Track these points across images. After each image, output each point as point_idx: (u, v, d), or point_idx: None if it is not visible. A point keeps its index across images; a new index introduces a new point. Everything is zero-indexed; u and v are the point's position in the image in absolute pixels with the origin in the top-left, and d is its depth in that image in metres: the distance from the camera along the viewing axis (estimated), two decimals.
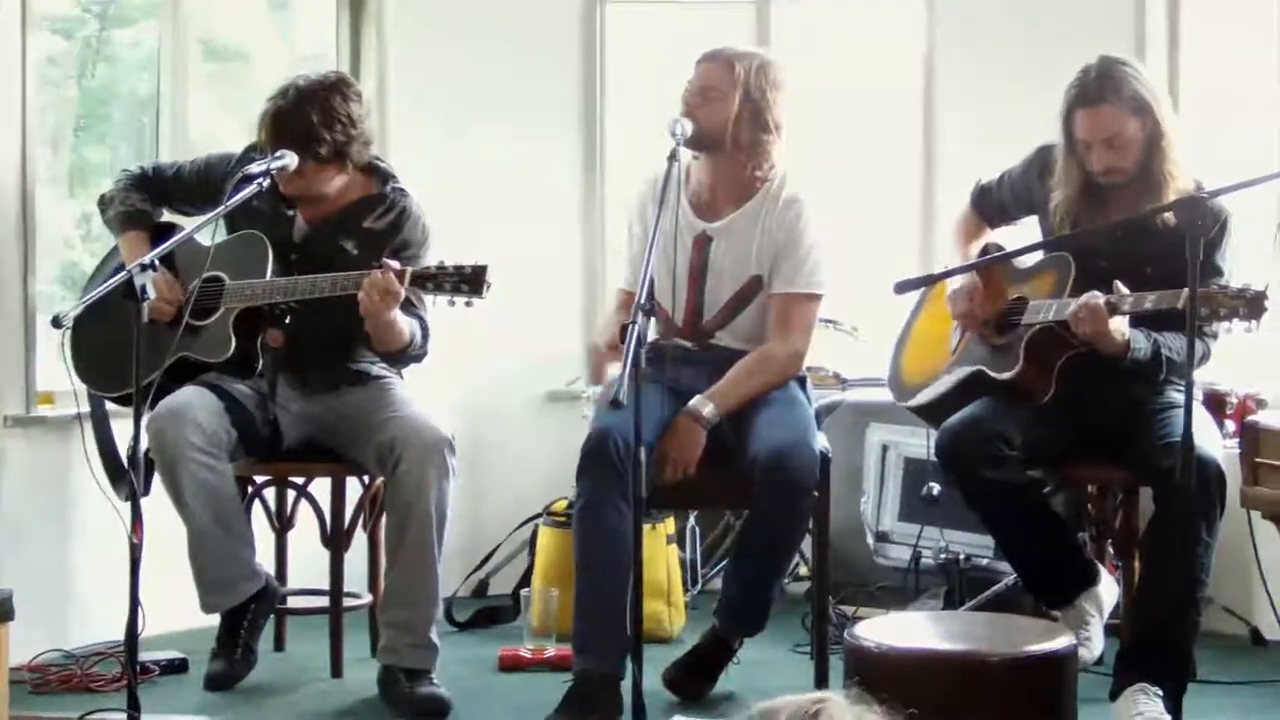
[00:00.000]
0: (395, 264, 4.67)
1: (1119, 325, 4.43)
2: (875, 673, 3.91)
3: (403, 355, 4.97)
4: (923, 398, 5.05)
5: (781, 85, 4.93)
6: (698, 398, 4.82)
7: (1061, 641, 3.94)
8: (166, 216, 5.27)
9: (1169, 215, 4.37)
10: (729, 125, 4.85)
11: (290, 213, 5.04)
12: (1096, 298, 4.40)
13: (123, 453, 5.00)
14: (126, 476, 4.33)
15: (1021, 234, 5.06)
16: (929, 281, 4.39)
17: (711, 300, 4.99)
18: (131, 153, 6.06)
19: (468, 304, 4.64)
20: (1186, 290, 3.95)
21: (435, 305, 4.82)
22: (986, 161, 5.17)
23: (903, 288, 4.28)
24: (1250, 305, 4.06)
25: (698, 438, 4.78)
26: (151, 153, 6.01)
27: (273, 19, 6.85)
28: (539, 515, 5.97)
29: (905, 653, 3.89)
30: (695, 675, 4.96)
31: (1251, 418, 4.40)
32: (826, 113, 6.89)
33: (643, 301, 4.08)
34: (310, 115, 4.90)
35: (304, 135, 4.88)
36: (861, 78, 6.95)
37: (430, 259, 4.94)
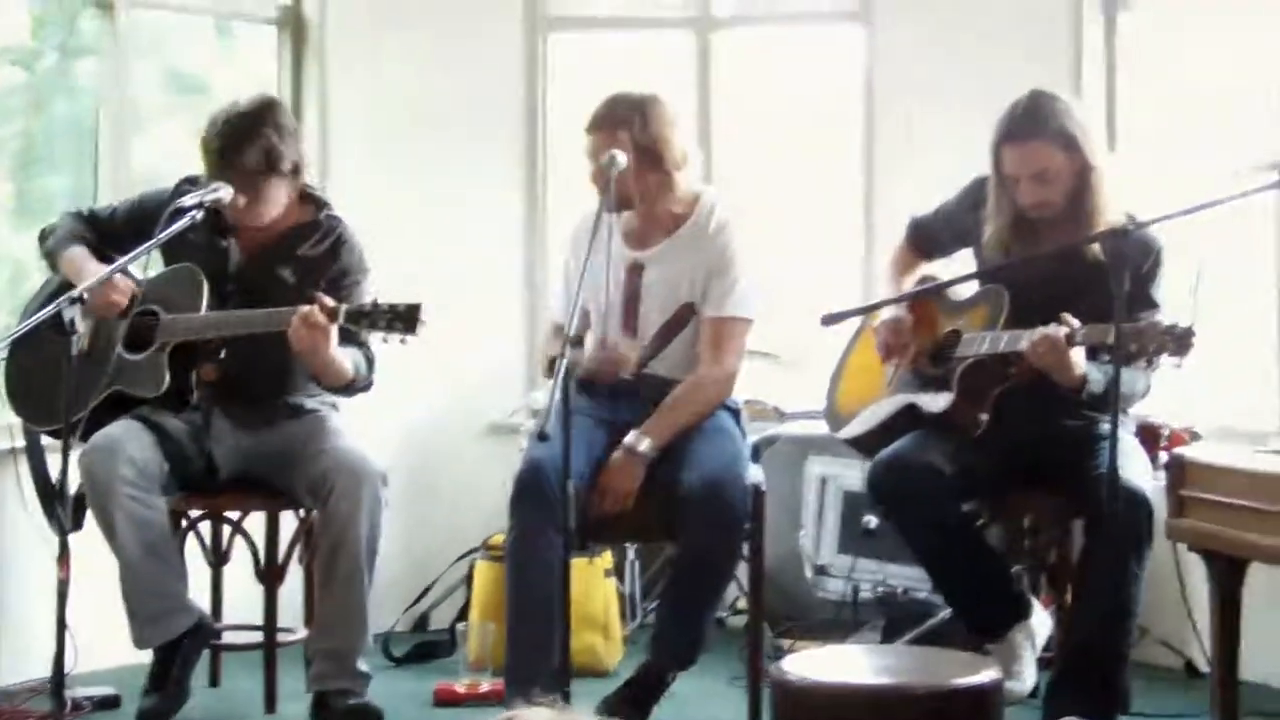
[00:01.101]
0: (328, 300, 4.67)
1: (1077, 358, 4.43)
2: (799, 707, 3.91)
3: (349, 388, 4.97)
4: (855, 429, 5.04)
5: (671, 119, 4.95)
6: (633, 433, 4.83)
7: (987, 675, 3.92)
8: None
9: (1096, 248, 4.38)
10: (632, 183, 4.85)
11: (224, 244, 5.03)
12: (1057, 330, 4.40)
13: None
14: (67, 509, 4.31)
15: (957, 267, 5.07)
16: (857, 313, 4.41)
17: (644, 329, 5.00)
18: (88, 185, 6.02)
19: (402, 341, 4.63)
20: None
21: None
22: (929, 191, 5.17)
23: (830, 320, 4.29)
24: (1178, 341, 4.08)
25: (635, 473, 4.80)
26: (96, 184, 5.99)
27: (221, 48, 6.84)
28: (477, 549, 5.96)
29: (828, 686, 3.88)
30: (629, 708, 4.92)
31: (1177, 450, 4.41)
32: (766, 140, 6.93)
33: (570, 333, 4.09)
34: (268, 130, 4.91)
35: (267, 151, 4.88)
36: (802, 105, 6.97)
37: (369, 286, 4.95)
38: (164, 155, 6.02)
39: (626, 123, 4.87)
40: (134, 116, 6.15)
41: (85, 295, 4.30)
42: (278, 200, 4.99)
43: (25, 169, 6.37)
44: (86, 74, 6.31)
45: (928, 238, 5.14)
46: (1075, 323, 4.37)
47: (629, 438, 4.83)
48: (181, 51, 6.72)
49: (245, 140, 4.87)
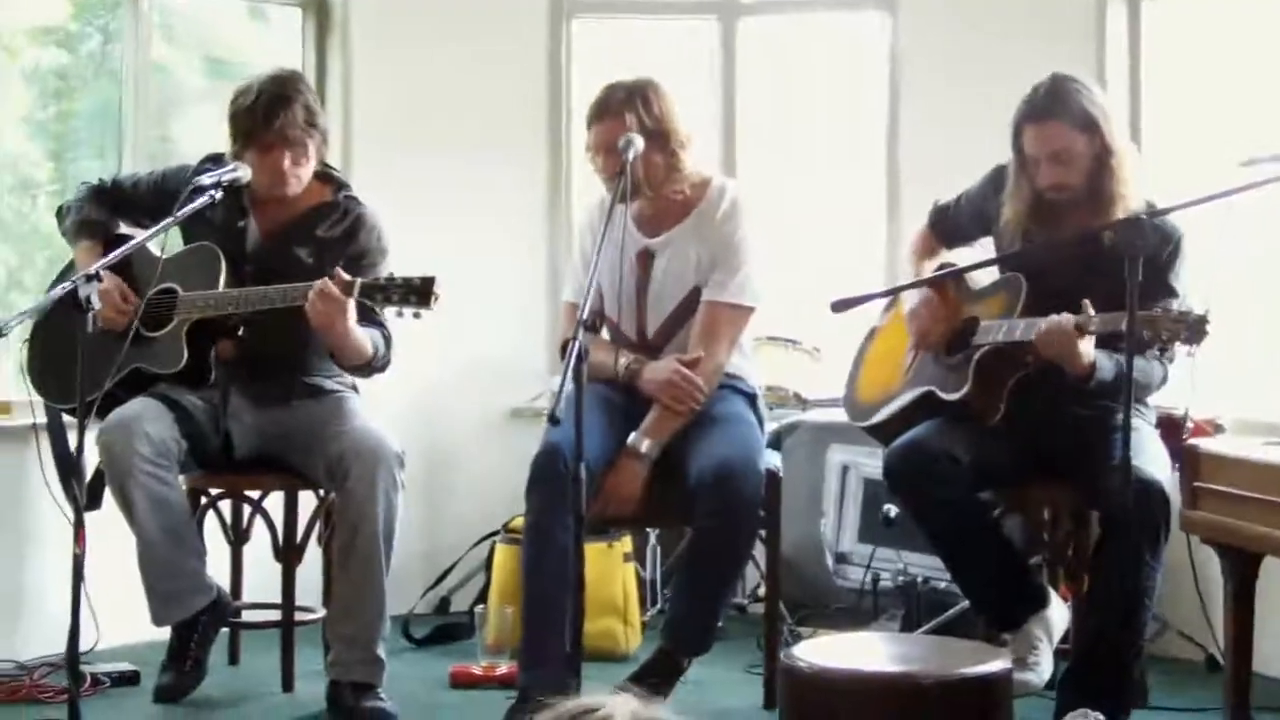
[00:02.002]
0: (344, 274, 4.68)
1: (1085, 347, 4.42)
2: (808, 693, 3.91)
3: (367, 367, 4.98)
4: (875, 418, 5.04)
5: (671, 98, 4.94)
6: (635, 434, 4.85)
7: (996, 665, 3.92)
8: (124, 229, 5.27)
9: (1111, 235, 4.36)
10: (641, 166, 4.83)
11: (241, 224, 5.04)
12: (1065, 319, 4.38)
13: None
14: (82, 486, 4.33)
15: (979, 255, 5.05)
16: (868, 299, 4.40)
17: (655, 314, 5.02)
18: (130, 165, 6.04)
19: (416, 315, 4.63)
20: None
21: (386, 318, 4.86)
22: (952, 178, 5.15)
23: (840, 306, 4.28)
24: (1191, 329, 4.06)
25: (638, 475, 4.84)
26: (120, 168, 6.02)
27: (254, 31, 6.87)
28: (496, 532, 5.97)
29: (838, 673, 3.88)
30: (644, 694, 4.93)
31: (1191, 441, 4.39)
32: (790, 127, 6.91)
33: (584, 317, 4.09)
34: (304, 91, 4.99)
35: (307, 108, 4.94)
36: (826, 92, 6.95)
37: (387, 267, 4.96)
38: (201, 137, 6.01)
39: (630, 107, 4.86)
40: (163, 100, 6.19)
41: (100, 274, 4.31)
42: (312, 165, 5.03)
43: (66, 151, 6.40)
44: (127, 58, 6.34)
45: (950, 224, 5.12)
46: (1092, 311, 4.35)
47: (631, 439, 4.85)
48: (216, 35, 6.75)
49: (286, 101, 4.91)
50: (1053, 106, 4.62)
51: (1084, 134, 4.60)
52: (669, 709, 1.81)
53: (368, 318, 4.86)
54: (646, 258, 5.02)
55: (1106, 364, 4.44)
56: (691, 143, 4.96)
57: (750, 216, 5.01)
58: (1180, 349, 4.15)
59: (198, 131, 6.29)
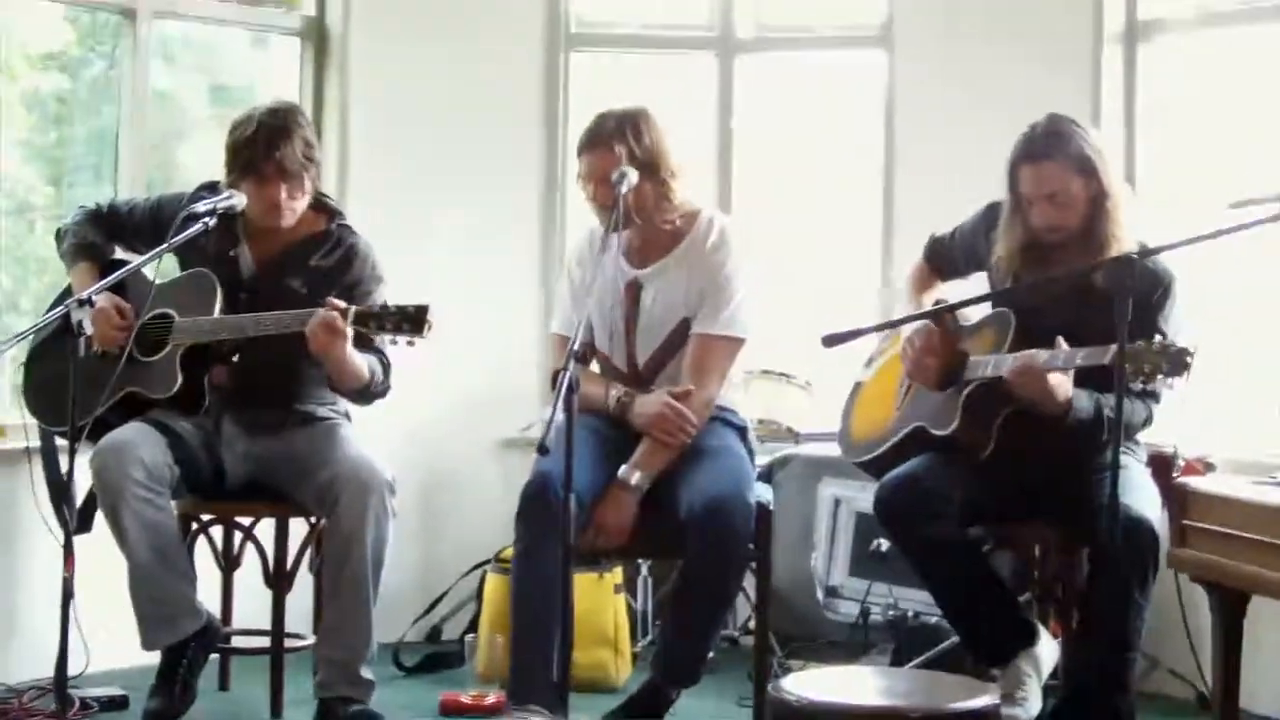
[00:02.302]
0: (339, 302, 4.70)
1: (1059, 382, 4.42)
2: None
3: (365, 393, 5.00)
4: (867, 453, 5.05)
5: (662, 128, 4.95)
6: (625, 467, 4.86)
7: (984, 700, 3.90)
8: (120, 254, 5.28)
9: (1101, 274, 4.37)
10: (631, 196, 4.83)
11: (233, 252, 5.07)
12: (1035, 354, 4.40)
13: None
14: (72, 510, 4.34)
15: (973, 289, 5.06)
16: (858, 335, 4.40)
17: (645, 346, 5.03)
18: (126, 192, 6.05)
19: (410, 343, 4.66)
20: (1114, 346, 3.97)
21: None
22: (947, 215, 5.17)
23: (831, 341, 4.28)
24: (1173, 361, 4.05)
25: (628, 507, 4.84)
26: (115, 193, 6.04)
27: (256, 59, 6.90)
28: (488, 561, 5.97)
29: (825, 707, 3.86)
30: None
31: (1180, 479, 4.39)
32: (787, 162, 6.93)
33: (575, 348, 4.10)
34: (303, 124, 5.01)
35: (306, 142, 4.97)
36: (822, 129, 6.97)
37: (381, 296, 4.98)
38: (205, 163, 6.00)
39: (621, 136, 4.87)
40: (166, 126, 6.21)
41: (93, 299, 4.33)
42: (307, 198, 5.06)
43: (65, 176, 6.42)
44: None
45: (944, 257, 5.14)
46: (1064, 346, 4.36)
47: (621, 471, 4.85)
48: (218, 62, 6.78)
49: (286, 134, 4.94)
50: (1050, 147, 4.63)
51: (1080, 176, 4.62)
52: None
53: (367, 345, 4.87)
54: (635, 289, 5.02)
55: (1085, 403, 4.45)
56: (682, 173, 4.96)
57: (739, 248, 5.01)
58: (1164, 386, 4.14)
59: (201, 158, 6.31)
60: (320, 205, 5.16)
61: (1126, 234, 4.62)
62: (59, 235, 5.30)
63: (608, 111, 4.99)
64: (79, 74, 6.44)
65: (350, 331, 4.71)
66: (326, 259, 5.07)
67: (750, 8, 6.87)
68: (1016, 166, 4.70)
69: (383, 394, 5.05)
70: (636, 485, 4.83)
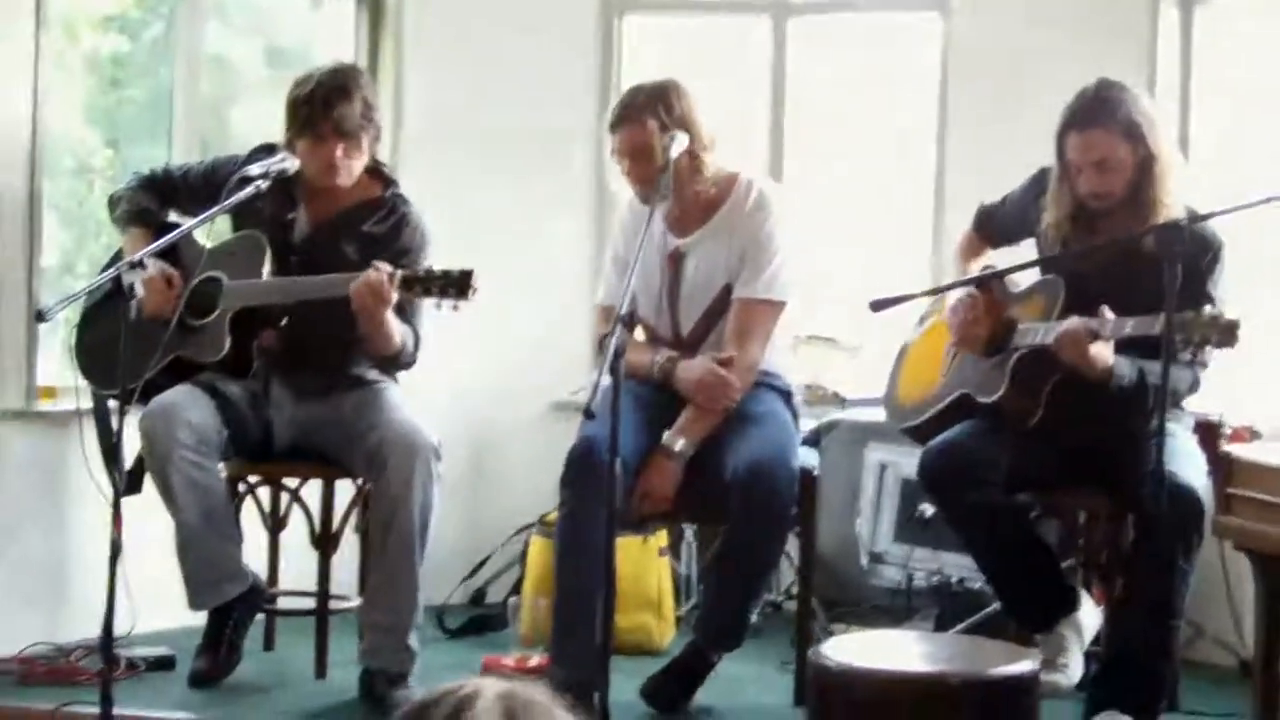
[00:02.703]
0: (386, 265, 4.72)
1: (1100, 351, 4.41)
2: (836, 691, 3.92)
3: (393, 361, 5.03)
4: (913, 419, 5.05)
5: (693, 99, 4.92)
6: (669, 433, 4.87)
7: (1025, 665, 3.93)
8: (173, 217, 5.31)
9: (1150, 241, 4.36)
10: (670, 168, 4.80)
11: (291, 215, 5.09)
12: (1077, 323, 4.39)
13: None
14: (122, 471, 4.38)
15: (1022, 256, 5.04)
16: (906, 299, 4.39)
17: (689, 314, 5.03)
18: (180, 154, 6.07)
19: (454, 307, 4.68)
20: (1163, 315, 3.96)
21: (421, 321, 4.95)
22: (998, 182, 5.15)
23: (879, 306, 4.28)
24: (1223, 332, 4.05)
25: (672, 473, 4.86)
26: (170, 155, 6.07)
27: (313, 23, 6.91)
28: (533, 524, 5.99)
29: (864, 671, 3.89)
30: (673, 688, 4.97)
31: (1225, 447, 4.38)
32: (840, 125, 6.90)
33: (622, 314, 4.11)
34: (363, 84, 5.02)
35: (365, 102, 4.98)
36: (876, 91, 6.94)
37: (430, 264, 4.99)
38: (261, 125, 6.02)
39: (652, 110, 4.86)
40: (222, 88, 6.25)
41: (145, 262, 4.36)
42: (363, 160, 5.07)
43: (123, 138, 6.45)
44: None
45: (993, 226, 5.12)
46: (1110, 315, 4.35)
47: (665, 437, 4.86)
48: (275, 25, 6.80)
49: (345, 94, 4.95)
50: (1097, 114, 4.60)
51: (1127, 142, 4.58)
52: (544, 693, 1.82)
53: (402, 315, 4.90)
54: (677, 258, 5.03)
55: (1126, 370, 4.44)
56: (715, 144, 4.94)
57: (779, 211, 5.00)
58: (1213, 353, 4.14)
59: (255, 120, 6.33)
60: (376, 172, 5.18)
61: (1174, 200, 4.59)
62: (112, 201, 5.32)
63: (638, 86, 4.99)
64: (138, 35, 6.46)
65: (395, 296, 4.73)
66: (379, 226, 5.09)
67: None
68: (1064, 133, 4.67)
69: (408, 365, 5.09)
70: (680, 451, 4.84)
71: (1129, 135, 4.59)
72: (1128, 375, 4.44)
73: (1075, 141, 4.64)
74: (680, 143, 4.75)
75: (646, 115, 4.86)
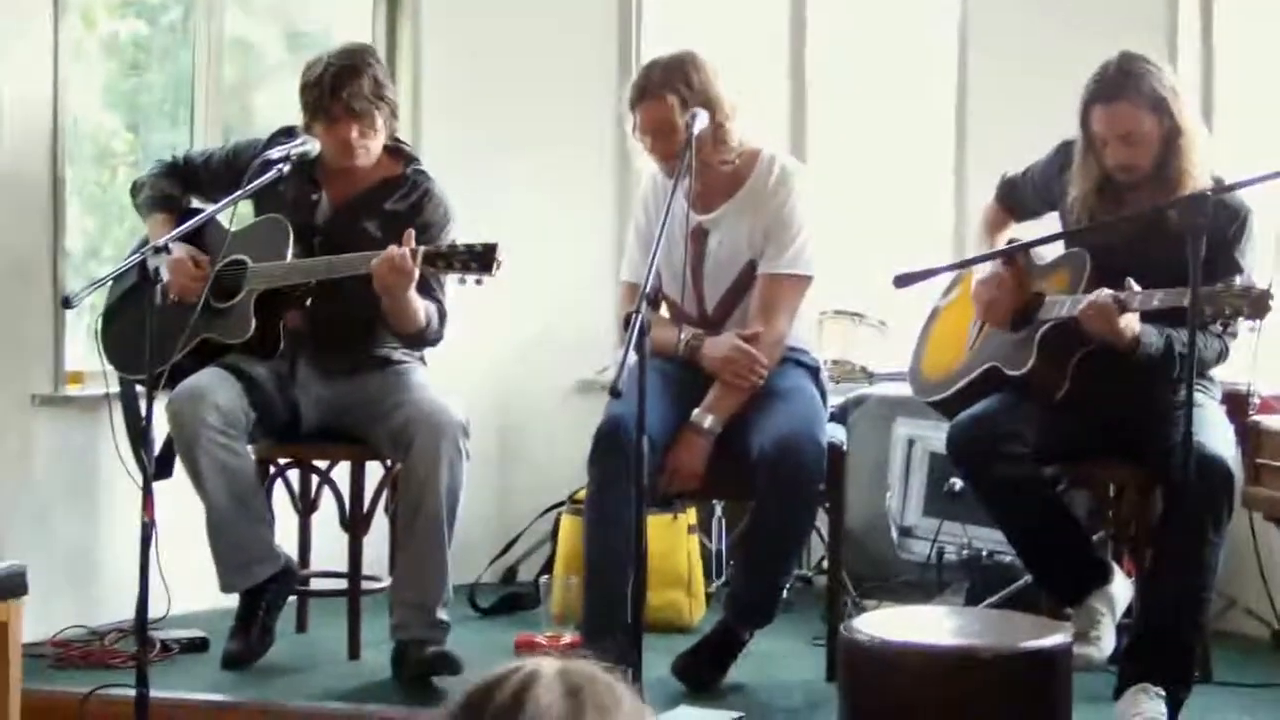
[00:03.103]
0: (411, 240, 4.73)
1: (1129, 322, 4.40)
2: (868, 666, 3.92)
3: (419, 338, 5.04)
4: (939, 393, 5.05)
5: (711, 68, 4.90)
6: (698, 410, 4.87)
7: (1056, 639, 3.92)
8: (196, 203, 5.32)
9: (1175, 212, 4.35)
10: (692, 147, 4.76)
11: (315, 197, 5.10)
12: (1105, 295, 4.38)
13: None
14: (151, 455, 4.40)
15: (1045, 229, 5.03)
16: (930, 275, 4.39)
17: (713, 291, 5.03)
18: (215, 138, 6.08)
19: (478, 282, 4.69)
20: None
21: (449, 285, 4.96)
22: (1020, 154, 5.13)
23: (903, 281, 4.27)
24: (1254, 304, 4.04)
25: (701, 450, 4.86)
26: (192, 138, 6.08)
27: (330, 2, 6.91)
28: (563, 503, 6.00)
29: (897, 646, 3.89)
30: (705, 665, 4.97)
31: (1254, 418, 4.38)
32: (860, 100, 6.89)
33: (647, 290, 4.11)
34: (372, 63, 5.02)
35: (375, 80, 4.98)
36: (896, 66, 6.92)
37: (454, 238, 5.00)
38: (281, 109, 6.03)
39: (670, 86, 4.84)
40: (244, 72, 6.27)
41: (169, 247, 4.38)
42: (381, 137, 5.06)
43: (144, 123, 6.46)
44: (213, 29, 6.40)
45: (1016, 198, 5.12)
46: (1135, 287, 4.34)
47: (694, 415, 4.87)
48: (295, 8, 6.81)
49: (354, 73, 4.95)
50: (1122, 86, 4.59)
51: (1153, 114, 4.57)
52: (600, 668, 1.83)
53: (427, 292, 4.90)
54: (700, 235, 5.02)
55: (1153, 339, 4.43)
56: (737, 112, 4.92)
57: (801, 186, 5.00)
58: (1244, 324, 4.13)
59: (278, 104, 6.33)
60: (396, 150, 5.18)
61: (1201, 171, 4.58)
62: (134, 188, 5.34)
63: (654, 60, 4.98)
64: (156, 19, 6.46)
65: (416, 273, 4.73)
66: (401, 203, 5.09)
67: None
68: (1089, 107, 4.65)
69: (435, 342, 5.10)
70: (709, 429, 4.84)
71: (1154, 108, 4.57)
72: (1155, 343, 4.44)
73: (1100, 115, 4.62)
74: (702, 120, 4.74)
75: (666, 91, 4.84)
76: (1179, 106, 4.60)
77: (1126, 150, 4.61)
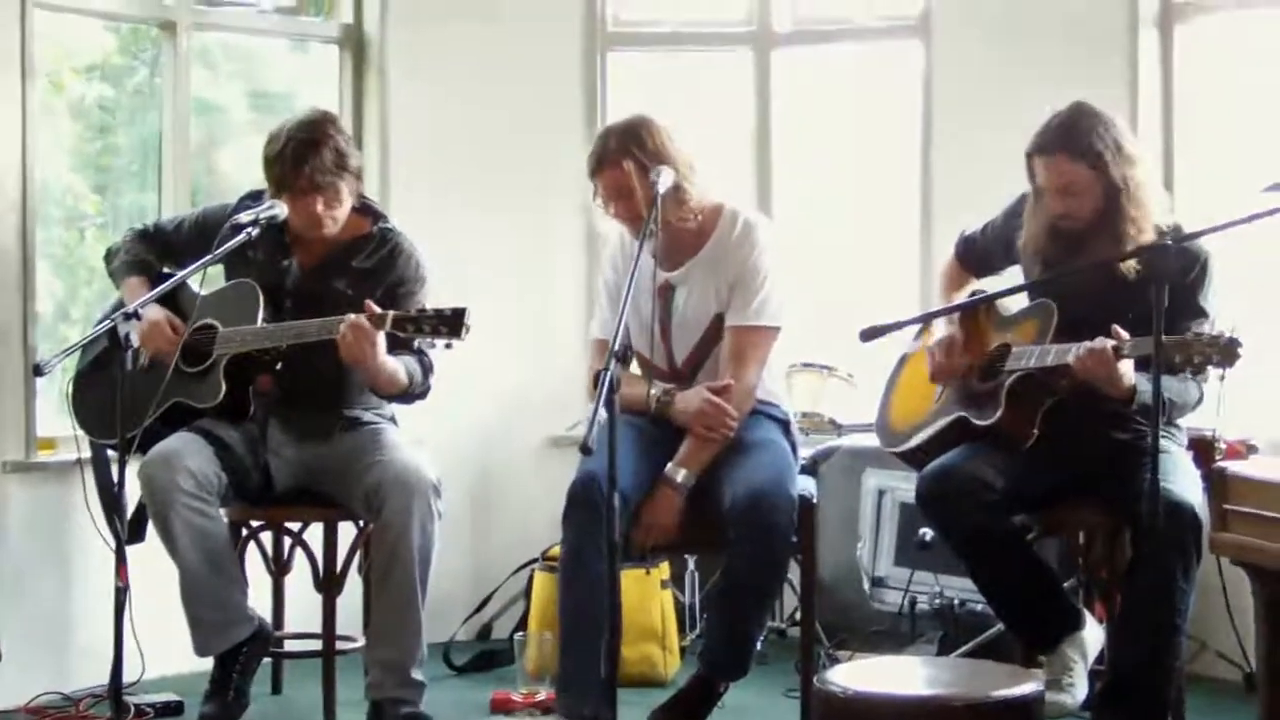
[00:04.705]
0: (375, 307, 4.75)
1: (1126, 369, 4.44)
2: (843, 717, 3.93)
3: (405, 395, 5.04)
4: (907, 444, 5.07)
5: (668, 134, 4.94)
6: (671, 464, 4.89)
7: (1029, 687, 3.93)
8: (169, 270, 5.31)
9: (1135, 263, 4.40)
10: (644, 207, 4.82)
11: (285, 261, 5.11)
12: (1104, 343, 4.41)
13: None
14: (124, 520, 4.40)
15: (1008, 283, 5.07)
16: (896, 327, 4.41)
17: (682, 345, 5.05)
18: (184, 198, 6.10)
19: (448, 346, 4.70)
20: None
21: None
22: (986, 206, 5.17)
23: (869, 335, 4.29)
24: (1223, 352, 4.08)
25: (675, 505, 4.88)
26: (160, 201, 6.10)
27: (297, 67, 6.95)
28: (536, 559, 6.01)
29: (870, 697, 3.89)
30: (680, 719, 4.97)
31: (1220, 463, 4.40)
32: (825, 157, 6.94)
33: (616, 347, 4.13)
34: (334, 133, 5.03)
35: (337, 151, 4.99)
36: (860, 122, 6.98)
37: (425, 296, 5.03)
38: (248, 169, 6.04)
39: (626, 152, 4.88)
40: (209, 133, 6.30)
41: (139, 311, 4.40)
42: (347, 204, 5.08)
43: (112, 185, 6.48)
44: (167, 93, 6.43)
45: (976, 254, 5.16)
46: (1125, 335, 4.38)
47: (668, 469, 4.89)
48: (259, 69, 6.84)
49: (315, 147, 4.96)
50: (1061, 140, 4.65)
51: (1091, 170, 4.62)
52: None
53: (406, 346, 4.92)
54: (667, 291, 5.05)
55: (1147, 386, 4.46)
56: (694, 171, 4.95)
57: (765, 238, 5.02)
58: (1214, 371, 4.17)
59: (243, 164, 6.36)
60: (364, 208, 5.21)
61: (1146, 225, 4.62)
62: (109, 255, 5.36)
63: (609, 128, 5.03)
64: (121, 82, 6.49)
65: (382, 338, 4.75)
66: (369, 259, 5.11)
67: (787, 1, 6.88)
68: (1031, 157, 4.73)
69: (423, 395, 5.10)
70: (682, 483, 4.87)
71: (1093, 165, 4.62)
72: (1149, 391, 4.46)
73: (1040, 165, 4.71)
74: (668, 177, 4.77)
75: (622, 157, 4.88)
76: (1119, 163, 4.63)
77: (1064, 201, 4.67)
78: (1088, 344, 4.44)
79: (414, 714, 4.89)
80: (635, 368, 5.10)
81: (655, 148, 4.89)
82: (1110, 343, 4.40)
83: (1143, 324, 4.20)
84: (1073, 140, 4.62)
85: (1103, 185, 4.63)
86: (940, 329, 4.96)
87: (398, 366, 4.90)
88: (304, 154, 4.95)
